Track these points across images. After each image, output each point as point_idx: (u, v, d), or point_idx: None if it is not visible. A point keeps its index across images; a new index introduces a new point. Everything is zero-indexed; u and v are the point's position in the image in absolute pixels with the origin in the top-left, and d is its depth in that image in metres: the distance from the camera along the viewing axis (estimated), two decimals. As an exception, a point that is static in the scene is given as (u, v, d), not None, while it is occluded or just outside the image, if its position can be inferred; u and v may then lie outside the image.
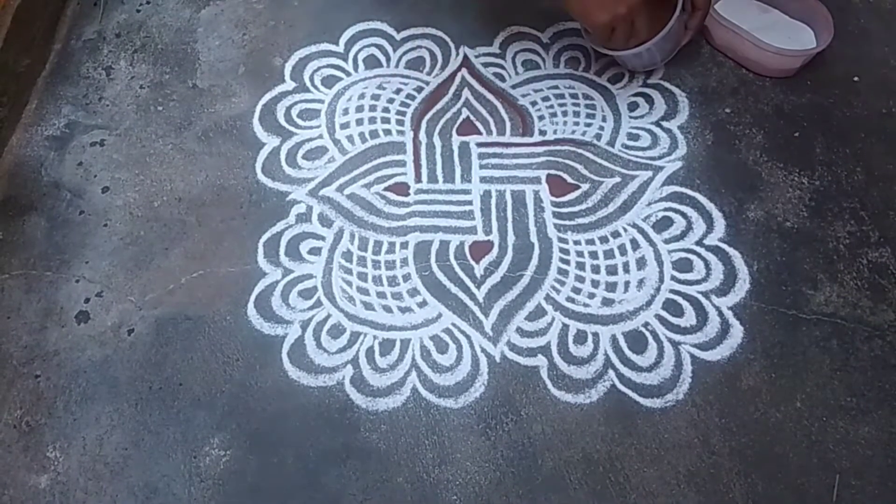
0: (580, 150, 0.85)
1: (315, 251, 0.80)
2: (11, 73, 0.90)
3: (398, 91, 0.91)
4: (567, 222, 0.80)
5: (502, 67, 0.92)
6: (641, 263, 0.77)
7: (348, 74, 0.93)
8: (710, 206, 0.80)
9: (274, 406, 0.71)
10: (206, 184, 0.85)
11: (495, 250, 0.79)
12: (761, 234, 0.78)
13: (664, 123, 0.86)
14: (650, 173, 0.83)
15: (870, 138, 0.84)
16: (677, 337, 0.73)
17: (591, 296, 0.76)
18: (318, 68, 0.93)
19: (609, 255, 0.78)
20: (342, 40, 0.95)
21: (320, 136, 0.88)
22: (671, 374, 0.71)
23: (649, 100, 0.88)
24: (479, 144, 0.86)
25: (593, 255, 0.78)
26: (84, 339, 0.76)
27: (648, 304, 0.75)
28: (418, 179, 0.84)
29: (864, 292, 0.74)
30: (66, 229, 0.82)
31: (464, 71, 0.92)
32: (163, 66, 0.95)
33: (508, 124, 0.87)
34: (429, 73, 0.92)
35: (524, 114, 0.88)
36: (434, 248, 0.79)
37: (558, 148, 0.85)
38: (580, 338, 0.74)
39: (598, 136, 0.86)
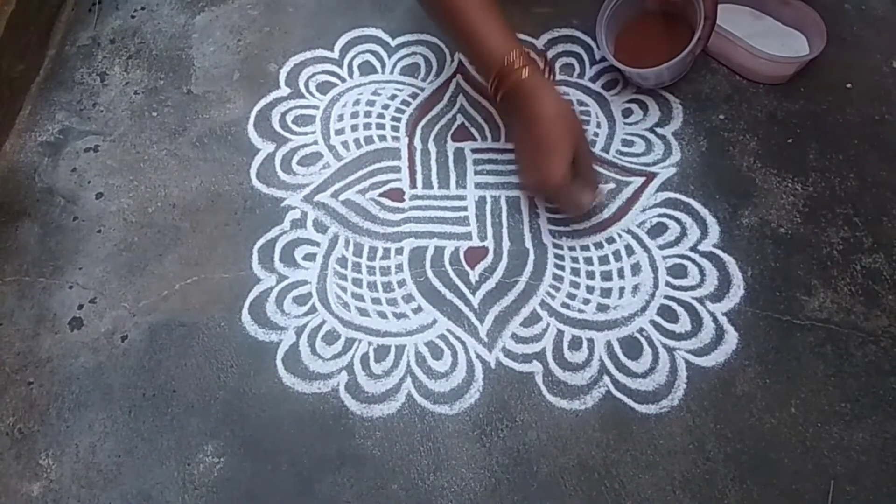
0: (575, 157, 0.85)
1: (310, 257, 0.80)
2: (5, 78, 0.90)
3: (393, 97, 0.91)
4: (562, 228, 0.80)
5: (497, 74, 0.92)
6: (636, 269, 0.78)
7: (343, 80, 0.93)
8: (704, 212, 0.81)
9: (268, 413, 0.71)
10: (201, 190, 0.85)
11: (490, 256, 0.79)
12: (755, 240, 0.78)
13: (658, 130, 0.86)
14: (644, 179, 0.83)
15: (863, 145, 0.84)
16: (672, 343, 0.73)
17: (586, 301, 0.76)
18: (313, 74, 0.93)
19: (604, 260, 0.78)
20: (337, 46, 0.95)
21: (315, 142, 0.88)
22: (666, 380, 0.71)
23: (643, 106, 0.88)
24: (474, 150, 0.86)
25: (588, 260, 0.78)
26: (77, 345, 0.75)
27: (643, 309, 0.75)
28: (413, 185, 0.84)
29: (858, 298, 0.75)
30: (60, 235, 0.82)
31: (458, 77, 0.92)
32: (157, 71, 0.95)
33: (503, 130, 0.87)
34: (424, 80, 0.92)
35: (519, 120, 0.88)
36: (429, 254, 0.79)
37: (553, 154, 0.85)
38: (575, 344, 0.74)
39: (593, 143, 0.86)
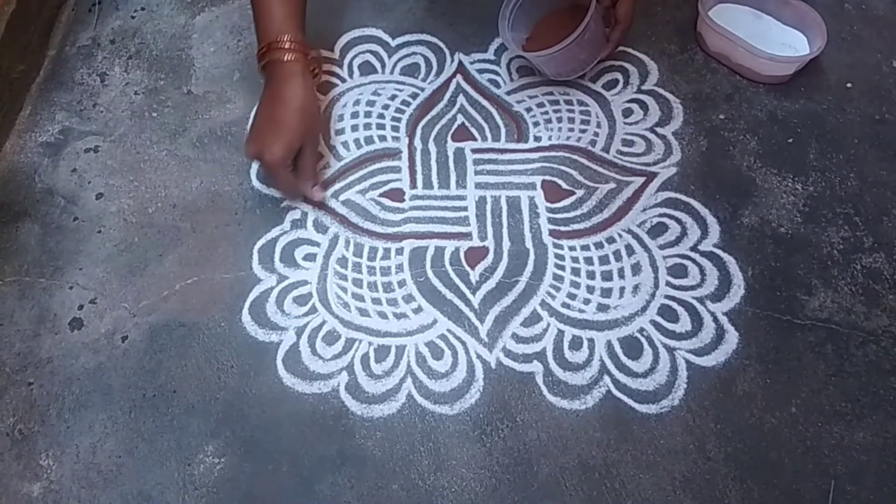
0: (575, 156, 0.85)
1: (310, 257, 0.80)
2: (5, 79, 0.90)
3: (393, 97, 0.91)
4: (562, 228, 0.80)
5: (497, 74, 0.92)
6: (636, 269, 0.78)
7: (343, 81, 0.93)
8: (704, 211, 0.81)
9: (268, 413, 0.71)
10: (201, 190, 0.85)
11: (490, 256, 0.79)
12: (756, 240, 0.78)
13: (658, 129, 0.86)
14: (645, 179, 0.83)
15: (863, 144, 0.84)
16: (672, 343, 0.73)
17: (587, 301, 0.76)
18: (313, 74, 0.93)
19: (604, 260, 0.78)
20: (337, 47, 0.95)
21: (315, 143, 0.88)
22: (666, 380, 0.71)
23: (644, 106, 0.88)
24: (474, 150, 0.86)
25: (588, 260, 0.78)
26: (77, 346, 0.75)
27: (643, 309, 0.75)
28: (413, 185, 0.84)
29: (859, 298, 0.74)
30: (60, 236, 0.82)
31: (459, 77, 0.92)
32: (157, 72, 0.95)
33: (503, 130, 0.87)
34: (424, 80, 0.92)
35: (519, 120, 0.88)
36: (429, 254, 0.79)
37: (553, 154, 0.85)
38: (575, 344, 0.74)
39: (593, 143, 0.86)
